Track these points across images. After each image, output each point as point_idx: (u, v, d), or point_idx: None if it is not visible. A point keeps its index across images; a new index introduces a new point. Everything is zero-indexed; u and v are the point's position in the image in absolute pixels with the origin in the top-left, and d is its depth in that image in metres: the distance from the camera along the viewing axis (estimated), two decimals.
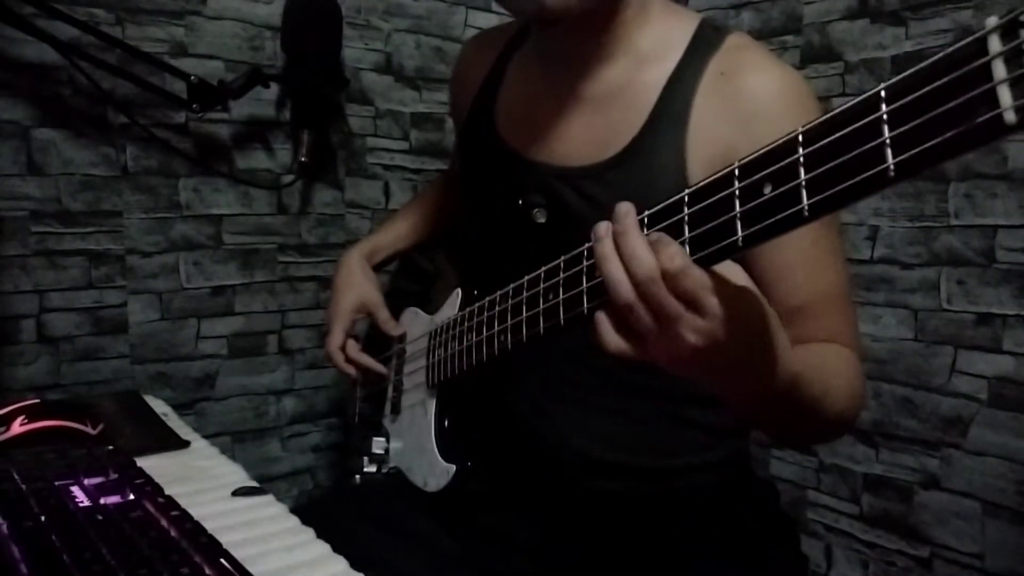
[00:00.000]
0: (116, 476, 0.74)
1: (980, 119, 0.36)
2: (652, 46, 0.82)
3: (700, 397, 0.86)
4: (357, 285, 1.09)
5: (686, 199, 0.52)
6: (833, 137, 0.43)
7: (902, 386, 1.52)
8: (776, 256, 0.73)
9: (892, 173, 0.40)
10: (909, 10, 1.46)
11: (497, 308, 0.76)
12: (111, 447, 0.85)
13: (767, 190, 0.47)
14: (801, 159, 0.45)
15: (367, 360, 1.08)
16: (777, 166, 0.46)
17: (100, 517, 0.65)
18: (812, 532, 1.68)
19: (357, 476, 1.05)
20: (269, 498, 0.78)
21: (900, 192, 1.50)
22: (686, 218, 0.52)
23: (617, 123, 0.81)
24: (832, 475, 1.65)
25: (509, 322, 0.73)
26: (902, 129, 0.40)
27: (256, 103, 1.46)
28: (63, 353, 1.33)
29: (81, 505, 0.68)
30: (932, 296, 1.47)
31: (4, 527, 0.62)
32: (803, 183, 0.45)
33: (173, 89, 1.29)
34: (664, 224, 0.54)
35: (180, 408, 1.31)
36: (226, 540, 0.62)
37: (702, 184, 0.51)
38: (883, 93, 0.41)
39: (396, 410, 1.05)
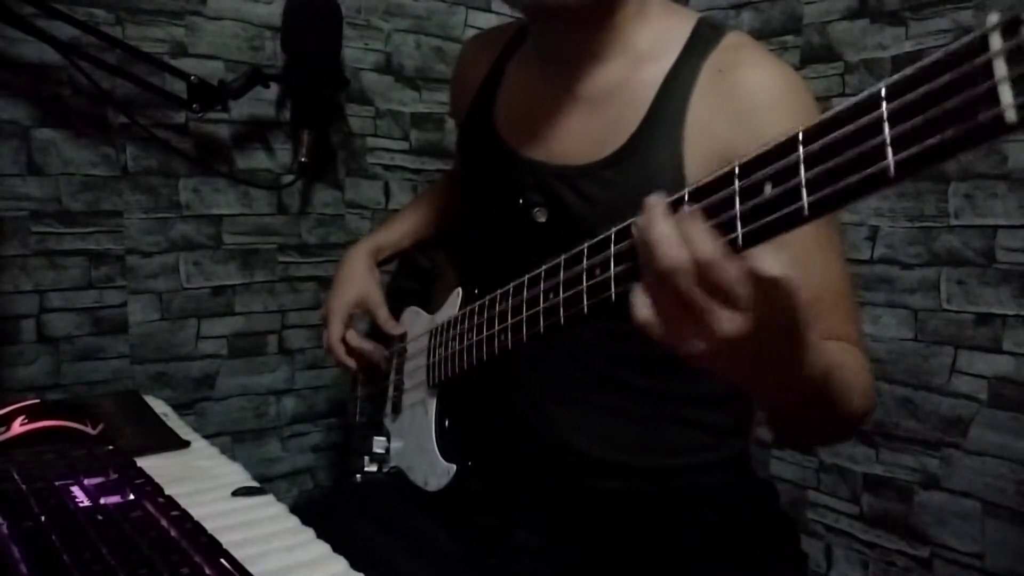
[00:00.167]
0: (116, 476, 0.74)
1: (981, 118, 0.36)
2: (650, 45, 0.82)
3: (700, 397, 0.86)
4: (360, 281, 1.09)
5: (686, 198, 0.52)
6: (834, 136, 0.43)
7: (902, 386, 1.52)
8: (779, 255, 0.73)
9: (892, 172, 0.40)
10: (909, 10, 1.46)
11: (498, 307, 0.76)
12: (111, 447, 0.85)
13: (768, 189, 0.47)
14: (802, 158, 0.45)
15: (369, 346, 1.07)
16: (778, 165, 0.46)
17: (100, 517, 0.65)
18: (812, 532, 1.68)
19: (358, 475, 1.05)
20: (269, 498, 0.78)
21: (900, 192, 1.50)
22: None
23: (614, 121, 0.81)
24: (832, 475, 1.65)
25: (510, 321, 0.73)
26: (903, 128, 0.39)
27: (256, 103, 1.46)
28: (63, 353, 1.33)
29: (81, 505, 0.68)
30: (932, 296, 1.47)
31: (4, 527, 0.62)
32: (803, 182, 0.44)
33: (173, 89, 1.29)
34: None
35: (180, 408, 1.31)
36: (226, 540, 0.62)
37: (702, 183, 0.51)
38: (884, 91, 0.41)
39: (397, 409, 1.05)
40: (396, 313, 1.09)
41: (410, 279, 1.16)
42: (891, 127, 0.40)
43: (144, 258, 1.39)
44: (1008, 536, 1.40)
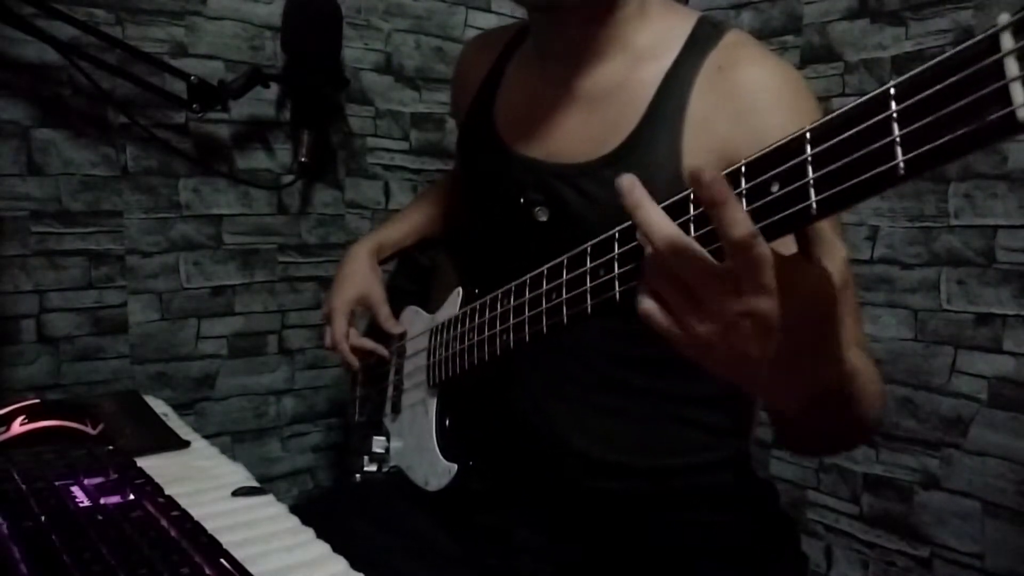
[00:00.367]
0: (116, 476, 0.74)
1: (992, 117, 0.36)
2: (650, 43, 0.82)
3: (700, 397, 0.86)
4: (362, 279, 1.09)
5: (691, 198, 0.52)
6: (842, 136, 0.43)
7: (902, 386, 1.52)
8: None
9: (902, 171, 0.40)
10: (909, 10, 1.46)
11: (500, 307, 0.76)
12: (111, 447, 0.85)
13: (775, 189, 0.47)
14: (809, 158, 0.45)
15: (371, 344, 1.07)
16: (785, 165, 0.46)
17: (100, 517, 0.65)
18: (812, 532, 1.68)
19: (358, 475, 1.05)
20: (269, 498, 0.78)
21: (900, 192, 1.50)
22: (692, 218, 0.52)
23: (614, 120, 0.81)
24: (832, 475, 1.65)
25: (511, 321, 0.73)
26: (912, 127, 0.39)
27: (256, 103, 1.46)
28: (63, 353, 1.33)
29: (81, 505, 0.68)
30: (932, 296, 1.47)
31: (4, 527, 0.62)
32: (811, 181, 0.44)
33: (173, 89, 1.29)
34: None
35: (180, 408, 1.31)
36: (226, 540, 0.62)
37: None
38: (893, 91, 0.41)
39: (396, 409, 1.05)
40: (396, 312, 1.09)
41: (409, 278, 1.16)
42: (900, 127, 0.40)
43: (144, 258, 1.39)
44: (1008, 536, 1.40)
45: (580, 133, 0.84)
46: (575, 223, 0.81)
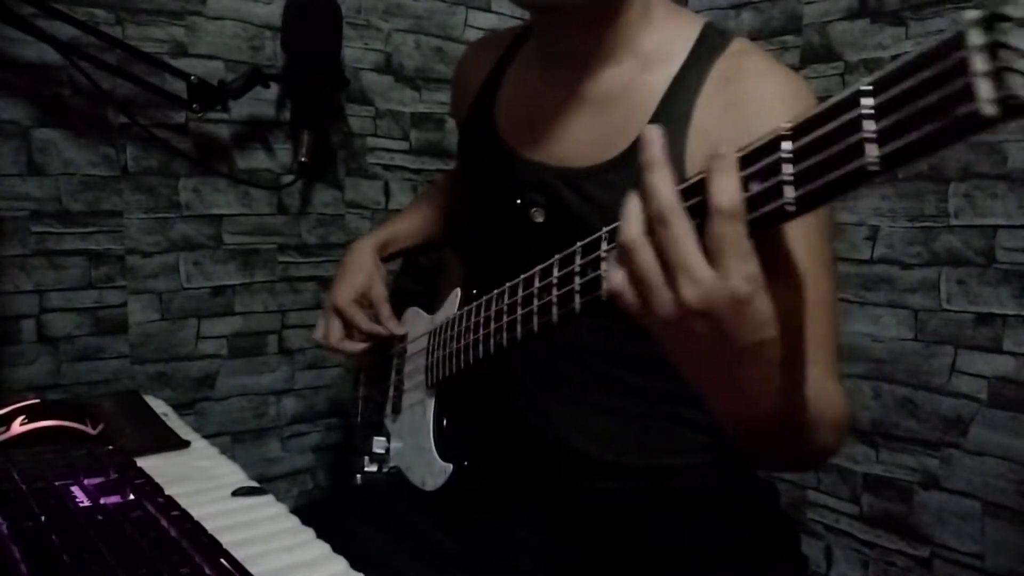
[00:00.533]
0: (116, 476, 0.74)
1: (960, 112, 0.36)
2: (655, 48, 0.82)
3: (699, 397, 0.86)
4: (365, 273, 1.08)
5: (694, 188, 0.52)
6: (818, 132, 0.43)
7: (902, 386, 1.52)
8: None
9: (875, 167, 0.40)
10: (909, 10, 1.46)
11: (494, 307, 0.76)
12: (111, 447, 0.85)
13: (754, 187, 0.47)
14: (786, 155, 0.45)
15: (378, 328, 1.05)
16: (763, 162, 0.46)
17: (100, 517, 0.65)
18: (812, 532, 1.68)
19: (358, 476, 1.05)
20: (269, 498, 0.78)
21: (900, 192, 1.50)
22: (685, 210, 0.52)
23: (618, 125, 0.81)
24: (832, 475, 1.65)
25: (505, 320, 0.73)
26: (884, 124, 0.40)
27: (256, 103, 1.46)
28: (63, 353, 1.33)
29: (81, 505, 0.68)
30: (932, 296, 1.47)
31: (4, 527, 0.62)
32: (788, 178, 0.45)
33: (173, 89, 1.29)
34: None
35: (180, 408, 1.31)
36: (226, 540, 0.62)
37: (690, 182, 0.51)
38: (866, 88, 0.41)
39: (397, 410, 1.05)
40: (398, 314, 1.09)
41: (415, 279, 1.16)
42: (874, 123, 0.40)
43: (144, 258, 1.39)
44: (1008, 536, 1.40)
45: (584, 136, 0.84)
46: (573, 225, 0.81)
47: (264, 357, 1.54)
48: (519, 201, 0.87)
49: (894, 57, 1.47)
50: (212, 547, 0.60)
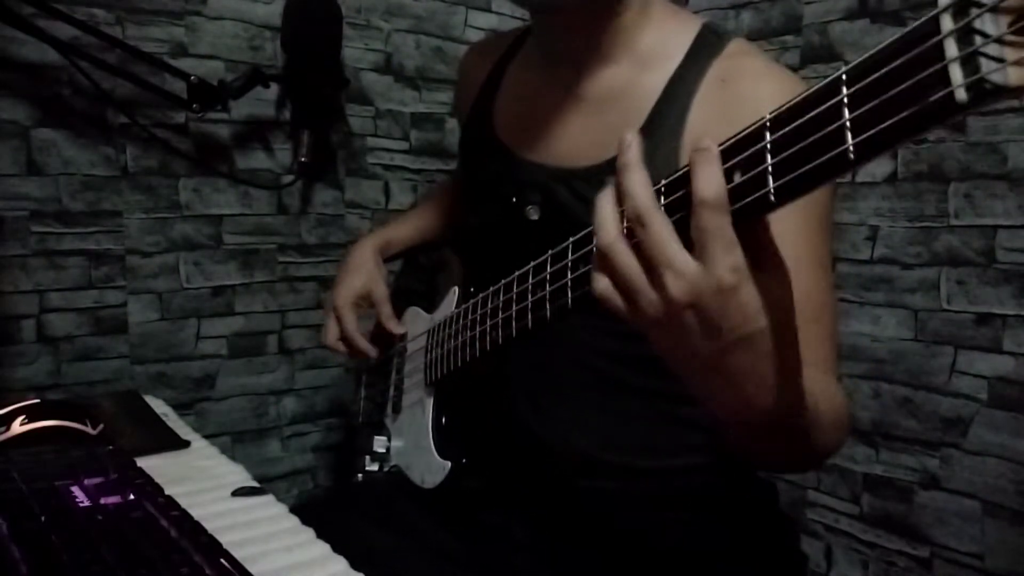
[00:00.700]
0: (116, 476, 0.74)
1: (933, 98, 0.37)
2: (652, 49, 0.82)
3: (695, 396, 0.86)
4: (367, 273, 1.08)
5: (663, 189, 0.52)
6: (798, 121, 0.44)
7: (902, 386, 1.52)
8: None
9: (852, 155, 0.41)
10: (909, 10, 1.46)
11: (489, 305, 0.77)
12: (111, 447, 0.85)
13: (737, 177, 0.47)
14: (768, 145, 0.45)
15: (356, 337, 1.05)
16: (746, 152, 0.47)
17: (100, 517, 0.65)
18: (812, 532, 1.68)
19: (359, 475, 1.05)
20: (269, 498, 0.78)
21: (900, 192, 1.50)
22: (664, 205, 0.52)
23: (615, 125, 0.81)
24: (832, 475, 1.65)
25: (500, 317, 0.74)
26: (860, 111, 0.40)
27: (256, 103, 1.46)
28: (63, 353, 1.33)
29: (81, 505, 0.68)
30: (932, 296, 1.47)
31: (4, 527, 0.62)
32: (769, 168, 0.45)
33: (173, 89, 1.29)
34: None
35: (180, 408, 1.31)
36: (226, 540, 0.62)
37: (676, 175, 0.51)
38: (844, 76, 0.41)
39: (397, 409, 1.05)
40: (398, 314, 1.09)
41: (416, 278, 1.16)
42: (850, 111, 0.41)
43: (144, 258, 1.39)
44: (1008, 536, 1.40)
45: (581, 137, 0.84)
46: (568, 222, 0.81)
47: (264, 357, 1.54)
48: (515, 199, 0.87)
49: None
50: (212, 547, 0.60)
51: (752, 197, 0.46)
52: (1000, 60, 0.34)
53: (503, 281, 0.73)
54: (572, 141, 0.85)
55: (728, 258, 0.47)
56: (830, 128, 0.42)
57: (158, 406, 1.09)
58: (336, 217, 1.60)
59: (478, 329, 0.80)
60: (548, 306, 0.64)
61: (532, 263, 0.67)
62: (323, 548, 0.68)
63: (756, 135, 0.46)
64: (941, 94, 0.36)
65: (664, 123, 0.78)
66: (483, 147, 0.94)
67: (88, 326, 1.35)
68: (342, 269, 1.11)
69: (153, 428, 0.99)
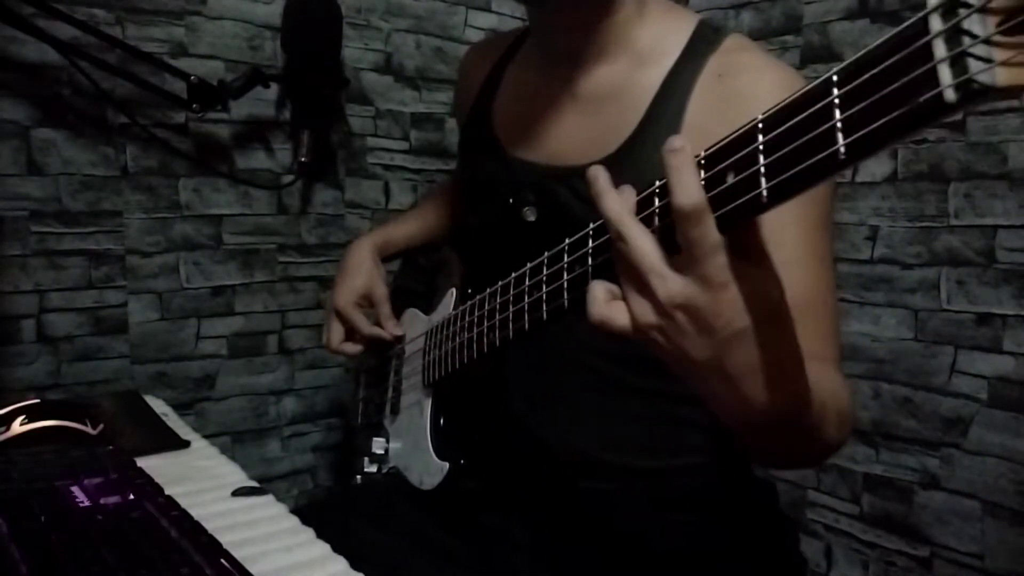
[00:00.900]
0: (116, 476, 0.74)
1: (923, 98, 0.37)
2: (649, 46, 0.82)
3: (698, 397, 0.86)
4: (366, 273, 1.08)
5: (657, 191, 0.52)
6: (790, 122, 0.44)
7: (902, 386, 1.52)
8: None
9: (843, 156, 0.41)
10: (909, 10, 1.46)
11: (487, 306, 0.77)
12: (111, 447, 0.85)
13: (729, 178, 0.47)
14: (760, 146, 0.45)
15: (378, 331, 1.05)
16: (739, 154, 0.47)
17: (100, 517, 0.65)
18: (812, 532, 1.68)
19: (358, 476, 1.05)
20: (269, 498, 0.78)
21: (900, 192, 1.50)
22: (656, 210, 0.52)
23: (612, 123, 0.81)
24: (832, 475, 1.65)
25: (497, 318, 0.74)
26: (851, 111, 0.40)
27: (256, 103, 1.46)
28: (63, 353, 1.33)
29: (81, 505, 0.68)
30: (932, 296, 1.47)
31: (4, 527, 0.62)
32: (761, 169, 0.45)
33: (173, 89, 1.29)
34: (641, 215, 0.54)
35: (180, 408, 1.31)
36: (226, 540, 0.62)
37: (659, 184, 0.52)
38: (835, 77, 0.41)
39: (395, 411, 1.05)
40: (397, 315, 1.09)
41: (413, 279, 1.16)
42: (841, 111, 0.41)
43: (144, 258, 1.39)
44: (1008, 536, 1.40)
45: (578, 136, 0.84)
46: (566, 223, 0.81)
47: (264, 357, 1.54)
48: (511, 200, 0.87)
49: None
50: (212, 547, 0.60)
51: (745, 198, 0.46)
52: (988, 60, 0.34)
53: (500, 283, 0.73)
54: (568, 140, 0.85)
55: (715, 258, 0.48)
56: (821, 128, 0.42)
57: (158, 406, 1.09)
58: (336, 217, 1.60)
59: (476, 330, 0.80)
60: (545, 308, 0.64)
61: (529, 265, 0.67)
62: (323, 548, 0.68)
63: (749, 136, 0.46)
64: (930, 94, 0.36)
65: (661, 119, 0.78)
66: (482, 147, 0.94)
67: (88, 326, 1.35)
68: (341, 270, 1.10)
69: (153, 428, 0.99)
